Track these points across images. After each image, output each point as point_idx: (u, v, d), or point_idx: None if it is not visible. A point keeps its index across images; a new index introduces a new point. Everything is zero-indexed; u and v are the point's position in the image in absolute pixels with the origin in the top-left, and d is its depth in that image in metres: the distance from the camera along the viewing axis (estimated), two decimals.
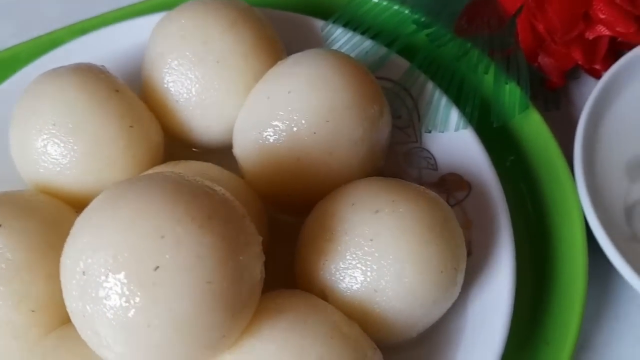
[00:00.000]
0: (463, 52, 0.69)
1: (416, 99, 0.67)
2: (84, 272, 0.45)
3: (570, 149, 0.66)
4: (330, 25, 0.71)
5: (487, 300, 0.59)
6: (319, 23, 0.71)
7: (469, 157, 0.64)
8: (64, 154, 0.58)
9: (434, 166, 0.65)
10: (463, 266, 0.56)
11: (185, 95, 0.62)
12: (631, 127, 0.69)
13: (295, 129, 0.57)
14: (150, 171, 0.59)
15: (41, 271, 0.54)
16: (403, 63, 0.69)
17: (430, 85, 0.67)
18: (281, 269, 0.58)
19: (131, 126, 0.59)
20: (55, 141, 0.58)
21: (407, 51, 0.70)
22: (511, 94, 0.68)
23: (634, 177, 0.67)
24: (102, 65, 0.62)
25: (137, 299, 0.44)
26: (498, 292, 0.58)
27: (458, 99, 0.67)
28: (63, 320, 0.52)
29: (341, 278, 0.53)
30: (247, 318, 0.49)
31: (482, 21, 0.72)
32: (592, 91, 0.68)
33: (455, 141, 0.65)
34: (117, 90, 0.60)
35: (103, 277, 0.44)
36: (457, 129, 0.65)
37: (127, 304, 0.44)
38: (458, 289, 0.56)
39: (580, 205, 0.64)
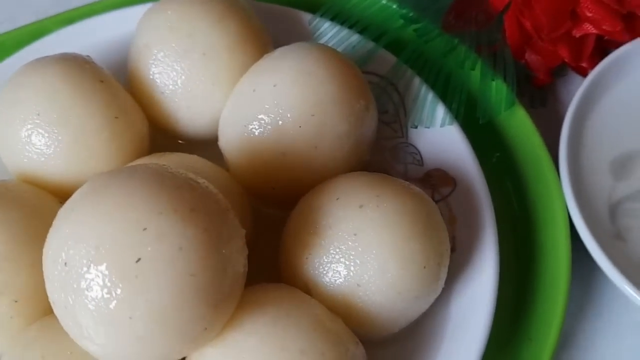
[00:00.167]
0: (450, 47, 0.69)
1: (403, 94, 0.68)
2: (65, 263, 0.45)
3: (556, 146, 0.66)
4: (317, 19, 0.70)
5: (470, 296, 0.59)
6: (306, 16, 0.71)
7: (455, 153, 0.64)
8: (48, 144, 0.57)
9: (420, 162, 0.65)
10: (446, 262, 0.56)
11: (171, 87, 0.62)
12: (617, 126, 0.69)
13: (280, 122, 0.57)
14: (135, 163, 0.59)
15: (24, 261, 0.53)
16: (390, 58, 0.69)
17: (417, 80, 0.67)
18: (266, 262, 0.58)
19: (116, 117, 0.59)
20: (40, 131, 0.57)
21: (395, 46, 0.70)
22: (497, 90, 0.68)
23: (618, 175, 0.67)
24: (88, 56, 0.62)
25: (119, 291, 0.44)
26: (481, 288, 0.58)
27: (444, 95, 0.67)
28: (46, 310, 0.52)
29: (324, 272, 0.53)
30: (229, 311, 0.49)
31: (469, 17, 0.72)
32: (578, 89, 0.68)
33: (441, 137, 0.65)
34: (102, 81, 0.60)
35: (85, 269, 0.44)
36: (443, 125, 0.65)
37: (108, 296, 0.44)
38: (441, 284, 0.56)
39: (564, 203, 0.64)
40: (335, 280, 0.53)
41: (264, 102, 0.58)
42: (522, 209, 0.67)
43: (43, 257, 0.48)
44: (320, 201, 0.55)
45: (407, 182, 0.57)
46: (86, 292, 0.44)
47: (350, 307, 0.53)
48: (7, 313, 0.53)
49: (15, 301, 0.53)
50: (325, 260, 0.53)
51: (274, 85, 0.58)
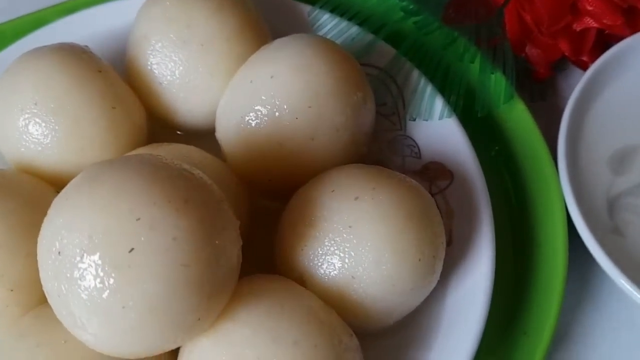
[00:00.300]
0: (450, 40, 0.69)
1: (401, 86, 0.67)
2: (59, 252, 0.45)
3: (556, 140, 0.66)
4: (317, 11, 0.70)
5: (466, 289, 0.59)
6: (306, 8, 0.71)
7: (453, 146, 0.64)
8: (45, 133, 0.58)
9: (418, 154, 0.65)
10: (442, 255, 0.56)
11: (168, 77, 0.62)
12: (616, 120, 0.69)
13: (277, 113, 0.57)
14: (132, 153, 0.59)
15: (21, 251, 0.53)
16: (389, 50, 0.69)
17: (415, 73, 0.67)
18: (262, 253, 0.58)
19: (113, 107, 0.59)
20: (37, 120, 0.57)
21: (394, 38, 0.70)
22: (496, 83, 0.68)
23: (617, 169, 0.67)
24: (86, 46, 0.62)
25: (112, 281, 0.44)
26: (477, 282, 0.58)
27: (443, 88, 0.67)
28: (41, 299, 0.52)
29: (319, 264, 0.53)
30: (223, 301, 0.49)
31: (470, 10, 0.72)
32: (578, 83, 0.68)
33: (439, 130, 0.65)
34: (100, 71, 0.60)
35: (78, 258, 0.44)
36: (441, 118, 0.65)
37: (101, 285, 0.44)
38: (436, 277, 0.56)
39: (562, 197, 0.64)
40: (330, 272, 0.53)
41: (260, 93, 0.57)
42: (520, 203, 0.67)
43: (37, 246, 0.48)
44: (316, 193, 0.55)
45: (404, 175, 0.57)
46: (79, 281, 0.44)
47: (345, 299, 0.53)
48: (3, 302, 0.53)
49: (11, 290, 0.53)
50: (320, 252, 0.53)
51: (271, 77, 0.58)
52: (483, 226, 0.60)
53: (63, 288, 0.45)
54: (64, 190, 0.48)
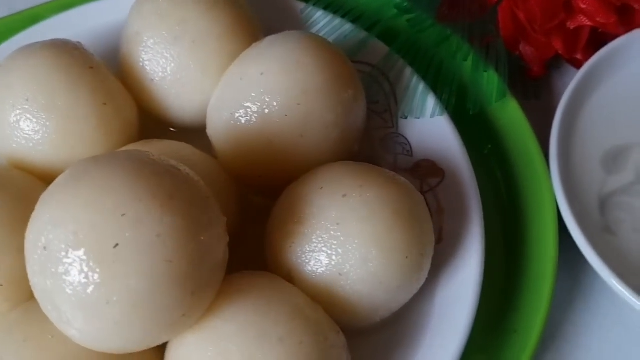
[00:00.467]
0: (443, 38, 0.69)
1: (394, 84, 0.67)
2: (45, 248, 0.45)
3: (549, 138, 0.66)
4: (310, 8, 0.70)
5: (455, 288, 0.59)
6: (299, 5, 0.71)
7: (444, 144, 0.64)
8: (36, 129, 0.58)
9: (409, 152, 0.65)
10: (430, 252, 0.56)
11: (160, 74, 0.62)
12: (609, 119, 0.69)
13: (266, 110, 0.57)
14: (122, 149, 0.59)
15: (10, 246, 0.53)
16: (382, 47, 0.69)
17: (408, 70, 0.67)
18: (253, 250, 0.58)
19: (104, 103, 0.59)
20: (28, 117, 0.58)
21: (387, 36, 0.70)
22: (489, 81, 0.68)
23: (610, 168, 0.67)
24: (78, 42, 0.62)
25: (96, 276, 0.44)
26: (466, 279, 0.58)
27: (435, 86, 0.67)
28: (31, 294, 0.52)
29: (307, 261, 0.53)
30: (209, 298, 0.49)
31: (463, 8, 0.71)
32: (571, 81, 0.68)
33: (431, 128, 0.65)
34: (92, 67, 0.60)
35: (63, 253, 0.45)
36: (433, 116, 0.65)
37: (86, 281, 0.44)
38: (424, 275, 0.56)
39: (553, 196, 0.64)
40: (317, 269, 0.53)
41: (250, 90, 0.58)
42: (512, 202, 0.67)
43: (25, 241, 0.48)
44: (305, 190, 0.55)
45: (393, 173, 0.57)
46: (64, 276, 0.45)
47: (332, 296, 0.53)
48: None
49: (1, 285, 0.53)
50: (308, 249, 0.53)
51: (261, 74, 0.58)
52: (473, 224, 0.60)
53: (48, 283, 0.45)
54: (51, 186, 0.48)
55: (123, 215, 0.45)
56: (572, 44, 0.71)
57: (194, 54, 0.61)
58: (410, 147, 0.65)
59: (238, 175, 0.60)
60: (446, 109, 0.66)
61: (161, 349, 0.52)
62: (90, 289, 0.44)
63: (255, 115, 0.57)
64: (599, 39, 0.72)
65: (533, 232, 0.64)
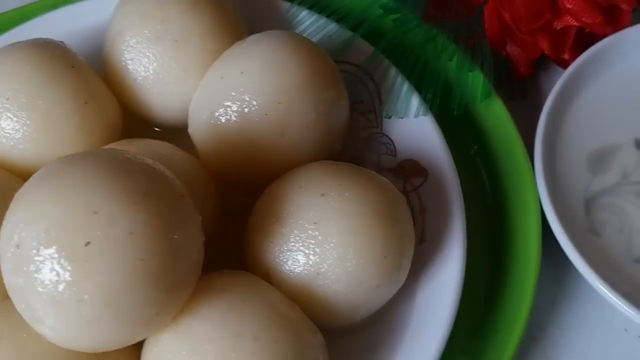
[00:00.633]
0: (429, 38, 0.69)
1: (378, 84, 0.67)
2: (18, 245, 0.45)
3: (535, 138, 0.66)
4: (295, 7, 0.70)
5: (436, 288, 0.58)
6: (284, 4, 0.71)
7: (428, 144, 0.64)
8: (16, 128, 0.58)
9: (393, 152, 0.65)
10: (409, 252, 0.56)
11: (143, 73, 0.62)
12: (596, 119, 0.69)
13: (246, 110, 0.57)
14: (99, 148, 0.59)
15: None
16: (367, 47, 0.69)
17: (393, 70, 0.67)
18: (234, 249, 0.58)
19: (86, 102, 0.59)
20: (9, 115, 0.58)
21: (373, 35, 0.70)
22: (474, 81, 0.68)
23: (596, 169, 0.67)
24: (61, 41, 0.62)
25: (67, 274, 0.44)
26: (446, 280, 0.58)
27: (420, 86, 0.67)
28: (6, 294, 0.52)
29: (285, 260, 0.53)
30: (184, 296, 0.49)
31: (450, 8, 0.71)
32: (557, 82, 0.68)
33: (414, 127, 0.65)
34: (73, 67, 0.60)
35: (35, 251, 0.44)
36: (417, 116, 0.65)
37: (57, 279, 0.44)
38: (403, 274, 0.56)
39: (537, 196, 0.63)
40: (295, 269, 0.53)
41: (230, 89, 0.58)
42: (497, 202, 0.67)
43: None
44: (284, 189, 0.55)
45: (373, 172, 0.57)
46: (35, 274, 0.44)
47: (310, 296, 0.53)
48: None
49: None
50: (286, 248, 0.53)
51: (241, 73, 0.58)
52: (455, 225, 0.60)
53: (21, 281, 0.45)
54: (25, 184, 0.48)
55: (95, 213, 0.45)
56: (559, 44, 0.70)
57: (176, 53, 0.61)
58: (394, 147, 0.65)
59: (219, 174, 0.60)
60: (431, 109, 0.66)
61: (138, 347, 0.52)
62: (61, 287, 0.44)
63: (235, 114, 0.57)
64: (586, 39, 0.71)
65: (517, 232, 0.64)
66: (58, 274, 0.44)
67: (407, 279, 0.57)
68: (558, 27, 0.69)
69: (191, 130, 0.61)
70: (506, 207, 0.66)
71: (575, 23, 0.68)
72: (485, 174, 0.68)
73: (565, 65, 0.71)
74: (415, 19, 0.70)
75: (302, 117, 0.58)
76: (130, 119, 0.66)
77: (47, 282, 0.44)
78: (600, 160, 0.67)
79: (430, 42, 0.69)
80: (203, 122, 0.59)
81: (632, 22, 0.70)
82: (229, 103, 0.57)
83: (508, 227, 0.65)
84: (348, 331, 0.57)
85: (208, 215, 0.58)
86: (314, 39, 0.67)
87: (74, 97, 0.59)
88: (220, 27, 0.63)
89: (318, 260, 0.52)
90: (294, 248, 0.53)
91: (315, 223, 0.53)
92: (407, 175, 0.64)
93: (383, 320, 0.58)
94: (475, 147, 0.69)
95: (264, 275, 0.54)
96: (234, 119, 0.57)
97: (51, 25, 0.71)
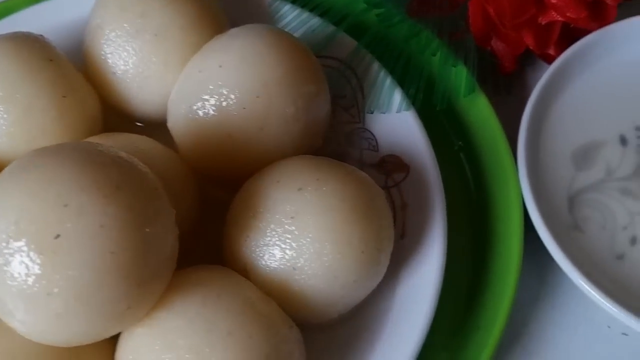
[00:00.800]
0: (412, 33, 0.68)
1: (361, 78, 0.67)
2: None
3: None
4: (278, 1, 0.70)
5: (415, 283, 0.58)
6: None
7: (409, 139, 0.64)
8: None
9: (375, 147, 0.65)
10: (388, 247, 0.55)
11: (122, 67, 0.61)
12: (580, 115, 0.68)
13: (224, 103, 0.57)
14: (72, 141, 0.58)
15: None
16: (350, 42, 0.68)
17: (376, 65, 0.67)
18: (214, 244, 0.58)
19: (64, 96, 0.59)
20: None
21: (356, 30, 0.69)
22: (457, 76, 0.67)
23: (580, 165, 0.66)
24: (40, 35, 0.61)
25: (36, 267, 0.44)
26: (426, 276, 0.58)
27: (403, 81, 0.66)
28: None
29: (261, 255, 0.53)
30: (157, 290, 0.49)
31: (434, 3, 0.71)
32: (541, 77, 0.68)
33: (397, 123, 0.65)
34: (51, 60, 0.59)
35: (4, 244, 0.44)
36: (399, 111, 0.64)
37: (26, 272, 0.44)
38: (382, 270, 0.55)
39: (520, 192, 0.63)
40: (271, 263, 0.53)
41: (208, 83, 0.57)
42: (480, 199, 0.66)
43: None
44: (262, 184, 0.55)
45: (352, 167, 0.57)
46: (5, 267, 0.44)
47: (287, 291, 0.53)
48: None
49: None
50: (262, 243, 0.53)
51: (220, 66, 0.57)
52: (436, 220, 0.60)
53: None
54: None
55: (65, 205, 0.44)
56: (544, 40, 0.70)
57: (156, 47, 0.61)
58: (377, 142, 0.65)
59: (199, 168, 0.60)
60: (413, 104, 0.65)
61: (114, 341, 0.51)
62: (30, 280, 0.44)
63: (213, 108, 0.57)
64: (572, 34, 0.71)
65: (500, 229, 0.64)
66: (27, 267, 0.44)
67: (386, 274, 0.56)
68: (543, 23, 0.69)
69: (170, 124, 0.61)
70: (490, 203, 0.65)
71: (560, 18, 0.68)
72: (470, 169, 0.68)
73: (550, 60, 0.70)
74: (399, 14, 0.70)
75: (281, 112, 0.57)
76: (112, 113, 0.65)
77: (16, 275, 0.44)
78: (584, 156, 0.66)
79: (414, 37, 0.68)
80: (181, 116, 0.59)
81: (618, 18, 0.70)
82: (206, 96, 0.57)
83: (491, 224, 0.64)
84: (326, 327, 0.57)
85: (187, 210, 0.57)
86: (297, 34, 0.67)
87: (51, 90, 0.58)
88: (201, 21, 0.62)
89: (294, 255, 0.52)
90: (271, 242, 0.53)
91: (292, 217, 0.52)
92: (389, 171, 0.63)
93: (362, 315, 0.58)
94: (460, 143, 0.69)
95: (241, 270, 0.54)
96: (212, 112, 0.57)
97: (33, 20, 0.70)
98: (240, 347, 0.48)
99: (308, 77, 0.59)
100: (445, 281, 0.59)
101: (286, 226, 0.52)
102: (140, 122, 0.66)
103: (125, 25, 0.61)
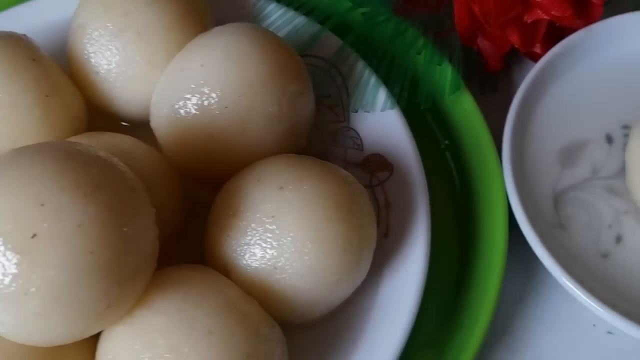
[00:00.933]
0: (398, 32, 0.68)
1: (346, 77, 0.67)
2: None
3: None
4: (263, 0, 0.69)
5: (398, 282, 0.58)
6: None
7: (394, 138, 0.63)
8: None
9: (360, 146, 0.65)
10: (371, 246, 0.55)
11: (105, 66, 0.61)
12: (566, 114, 0.68)
13: (206, 102, 0.56)
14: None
15: None
16: (335, 41, 0.68)
17: (360, 64, 0.67)
18: (197, 243, 0.58)
19: (47, 95, 0.59)
20: None
21: (341, 29, 0.69)
22: (442, 74, 0.67)
23: (565, 164, 0.66)
24: (24, 35, 0.61)
25: (13, 267, 0.44)
26: (409, 275, 0.58)
27: (388, 79, 0.66)
28: None
29: (242, 254, 0.53)
30: (136, 289, 0.49)
31: (420, 1, 0.71)
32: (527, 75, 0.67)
33: (381, 121, 0.65)
34: (34, 59, 0.59)
35: None
36: (383, 110, 0.64)
37: (3, 271, 0.44)
38: (364, 269, 0.55)
39: (504, 191, 0.63)
40: (252, 263, 0.53)
41: (190, 82, 0.57)
42: (465, 197, 0.66)
43: None
44: (243, 183, 0.55)
45: (335, 165, 0.57)
46: None
47: (268, 291, 0.53)
48: None
49: None
50: (243, 242, 0.53)
51: (202, 65, 0.57)
52: (419, 219, 0.60)
53: None
54: None
55: (42, 204, 0.44)
56: (529, 38, 0.70)
57: (139, 46, 0.61)
58: (361, 141, 0.65)
59: (182, 168, 0.60)
60: (398, 102, 0.65)
61: (95, 341, 0.51)
62: (7, 280, 0.44)
63: (195, 107, 0.57)
64: (558, 33, 0.70)
65: (484, 228, 0.64)
66: (4, 266, 0.44)
67: (369, 273, 0.57)
68: (528, 21, 0.69)
69: (153, 124, 0.60)
70: (475, 202, 0.65)
71: (545, 16, 0.68)
72: (455, 168, 0.68)
73: (537, 59, 0.70)
74: (385, 12, 0.70)
75: (264, 111, 0.57)
76: (98, 113, 0.65)
77: None
78: (570, 154, 0.66)
79: (399, 36, 0.68)
80: (164, 116, 0.59)
81: (603, 16, 0.70)
82: (188, 95, 0.57)
83: (476, 223, 0.64)
84: (309, 326, 0.57)
85: (170, 209, 0.57)
86: (281, 33, 0.67)
87: (35, 89, 0.58)
88: (186, 20, 0.62)
89: (275, 254, 0.52)
90: (251, 242, 0.52)
91: (272, 216, 0.52)
92: (373, 170, 0.63)
93: (345, 314, 0.58)
94: (446, 142, 0.69)
95: (222, 269, 0.54)
96: (194, 112, 0.57)
97: (17, 19, 0.70)
98: (222, 346, 0.48)
99: (292, 76, 0.59)
100: (429, 280, 0.59)
101: (267, 225, 0.52)
102: (125, 122, 0.66)
103: (108, 24, 0.61)
